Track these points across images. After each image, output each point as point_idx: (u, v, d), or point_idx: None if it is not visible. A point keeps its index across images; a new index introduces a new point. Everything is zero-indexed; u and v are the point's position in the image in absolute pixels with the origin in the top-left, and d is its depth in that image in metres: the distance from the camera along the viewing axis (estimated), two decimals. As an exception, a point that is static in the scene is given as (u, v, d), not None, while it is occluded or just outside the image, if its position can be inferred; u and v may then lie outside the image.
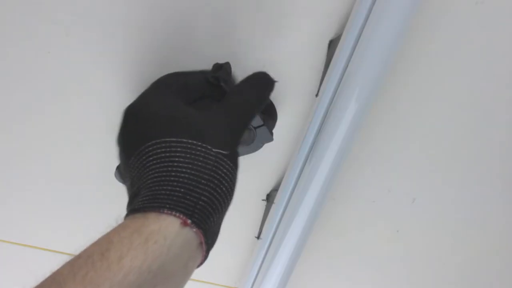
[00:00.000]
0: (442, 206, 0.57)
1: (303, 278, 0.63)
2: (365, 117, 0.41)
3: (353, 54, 0.39)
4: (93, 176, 0.53)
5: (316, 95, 0.45)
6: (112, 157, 0.49)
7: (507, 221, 0.58)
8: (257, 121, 0.43)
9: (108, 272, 0.23)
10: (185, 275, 0.29)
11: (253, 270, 0.52)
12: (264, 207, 0.56)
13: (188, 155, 0.29)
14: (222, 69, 0.38)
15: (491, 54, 0.46)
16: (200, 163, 0.29)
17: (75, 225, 0.57)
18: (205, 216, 0.28)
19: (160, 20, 0.43)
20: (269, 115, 0.48)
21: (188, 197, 0.28)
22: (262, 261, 0.51)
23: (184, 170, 0.28)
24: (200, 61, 0.45)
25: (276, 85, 0.47)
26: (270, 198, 0.54)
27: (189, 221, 0.27)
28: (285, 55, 0.45)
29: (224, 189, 0.30)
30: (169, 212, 0.27)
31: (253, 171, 0.54)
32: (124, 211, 0.30)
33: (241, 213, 0.57)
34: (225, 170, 0.30)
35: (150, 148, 0.29)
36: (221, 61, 0.40)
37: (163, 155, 0.29)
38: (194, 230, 0.28)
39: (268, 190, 0.56)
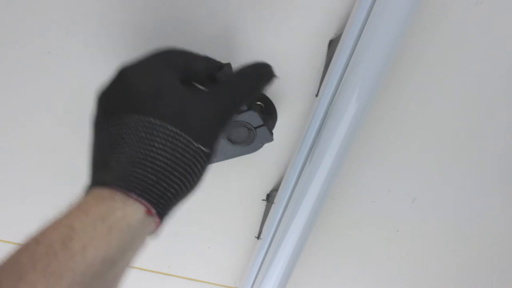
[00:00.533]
0: (442, 206, 0.57)
1: (303, 278, 0.63)
2: (365, 117, 0.41)
3: (353, 54, 0.39)
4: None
5: (316, 95, 0.45)
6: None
7: (507, 221, 0.58)
8: (257, 121, 0.43)
9: (71, 263, 0.23)
10: (134, 257, 0.28)
11: (253, 270, 0.52)
12: (264, 207, 0.56)
13: (168, 143, 0.28)
14: (222, 70, 0.38)
15: (491, 54, 0.46)
16: (178, 155, 0.28)
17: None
18: (168, 207, 0.28)
19: (160, 20, 0.43)
20: (269, 115, 0.48)
21: (158, 186, 0.27)
22: (262, 261, 0.51)
23: (161, 158, 0.27)
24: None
25: (276, 85, 0.47)
26: (270, 198, 0.55)
27: (153, 211, 0.27)
28: (285, 55, 0.45)
29: (193, 184, 0.29)
30: (137, 198, 0.26)
31: (253, 171, 0.54)
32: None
33: (241, 213, 0.57)
34: (199, 167, 0.29)
35: (133, 124, 0.28)
36: (221, 61, 0.40)
37: (143, 135, 0.28)
38: (156, 220, 0.27)
39: (268, 190, 0.56)
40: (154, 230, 0.28)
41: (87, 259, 0.23)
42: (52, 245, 0.23)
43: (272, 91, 0.47)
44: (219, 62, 0.38)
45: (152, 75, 0.31)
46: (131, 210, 0.26)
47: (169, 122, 0.28)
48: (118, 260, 0.25)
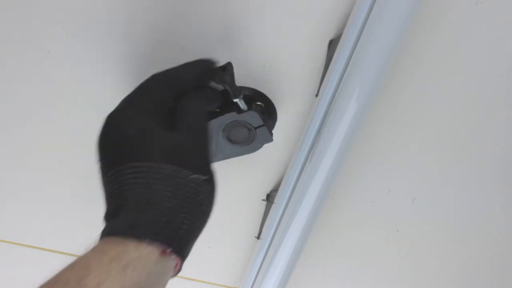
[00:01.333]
0: (442, 206, 0.57)
1: (303, 278, 0.63)
2: (365, 117, 0.41)
3: (353, 54, 0.39)
4: (93, 176, 0.53)
5: (316, 95, 0.45)
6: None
7: (507, 221, 0.58)
8: (257, 121, 0.43)
9: None
10: None
11: (253, 270, 0.52)
12: (264, 207, 0.56)
13: (169, 182, 0.29)
14: (226, 71, 0.38)
15: (491, 54, 0.46)
16: (181, 191, 0.29)
17: (75, 225, 0.57)
18: (184, 242, 0.29)
19: (160, 21, 0.43)
20: (269, 115, 0.48)
21: (169, 226, 0.28)
22: (262, 261, 0.51)
23: (165, 198, 0.28)
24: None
25: (276, 85, 0.47)
26: (270, 198, 0.55)
27: (168, 251, 0.28)
28: (285, 55, 0.45)
29: (203, 214, 0.31)
30: (149, 243, 0.27)
31: (253, 171, 0.54)
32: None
33: (241, 213, 0.57)
34: (203, 196, 0.31)
35: (130, 170, 0.29)
36: (221, 61, 0.40)
37: (143, 180, 0.29)
38: (173, 257, 0.28)
39: (268, 190, 0.56)
40: (176, 267, 0.29)
41: None
42: (67, 283, 0.24)
43: (272, 91, 0.47)
44: (214, 65, 0.38)
45: (138, 120, 0.32)
46: (145, 252, 0.27)
47: (163, 161, 0.29)
48: None
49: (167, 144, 0.31)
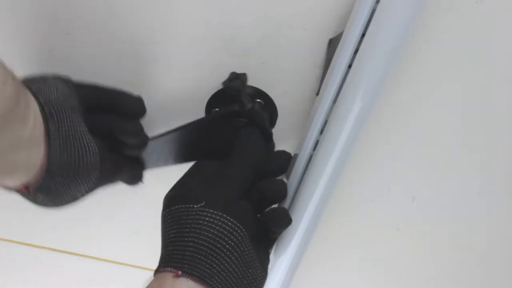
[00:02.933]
0: (442, 205, 0.57)
1: (304, 278, 0.63)
2: (367, 117, 0.41)
3: (356, 52, 0.38)
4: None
5: (317, 94, 0.45)
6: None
7: (508, 221, 0.58)
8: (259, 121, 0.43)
9: None
10: None
11: (253, 269, 0.52)
12: (264, 207, 0.56)
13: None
14: (239, 79, 0.39)
15: (491, 54, 0.46)
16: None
17: (75, 224, 0.57)
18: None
19: (159, 19, 0.43)
20: (270, 114, 0.48)
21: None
22: (263, 261, 0.51)
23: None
24: (200, 61, 0.45)
25: (276, 83, 0.47)
26: (270, 197, 0.54)
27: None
28: (285, 54, 0.45)
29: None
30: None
31: (253, 170, 0.54)
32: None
33: (241, 212, 0.57)
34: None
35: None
36: (220, 61, 0.40)
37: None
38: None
39: (268, 189, 0.56)
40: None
41: None
42: None
43: (271, 89, 0.47)
44: (234, 72, 0.41)
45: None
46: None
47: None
48: None
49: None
